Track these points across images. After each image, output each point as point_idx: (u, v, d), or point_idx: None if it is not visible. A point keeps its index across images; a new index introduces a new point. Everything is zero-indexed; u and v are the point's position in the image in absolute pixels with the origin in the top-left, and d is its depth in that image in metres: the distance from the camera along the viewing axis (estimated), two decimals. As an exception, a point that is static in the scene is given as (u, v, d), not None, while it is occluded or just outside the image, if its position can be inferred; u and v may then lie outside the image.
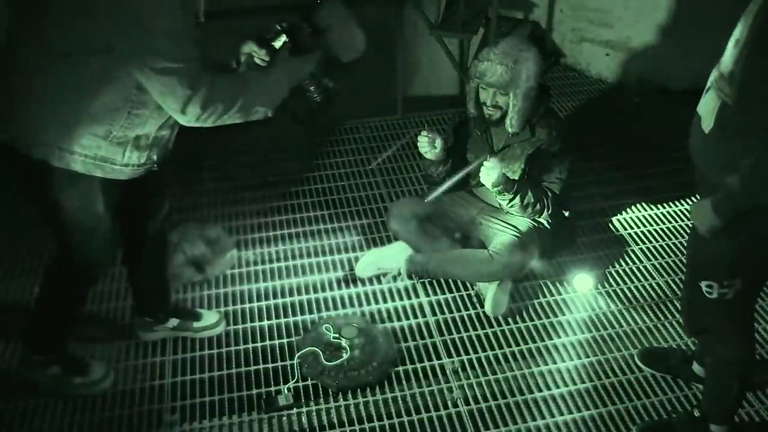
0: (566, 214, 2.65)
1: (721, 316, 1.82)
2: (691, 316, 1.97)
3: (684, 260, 2.81)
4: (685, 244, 2.90)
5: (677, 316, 2.56)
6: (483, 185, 2.46)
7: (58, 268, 2.09)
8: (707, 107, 1.63)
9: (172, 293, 2.46)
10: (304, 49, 1.90)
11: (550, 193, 2.42)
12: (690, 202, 3.15)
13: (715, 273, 1.73)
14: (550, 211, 2.45)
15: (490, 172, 2.30)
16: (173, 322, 2.42)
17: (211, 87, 1.70)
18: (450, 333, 2.50)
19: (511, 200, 2.39)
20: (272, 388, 2.29)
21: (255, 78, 1.88)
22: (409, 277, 2.71)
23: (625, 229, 3.01)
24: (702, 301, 1.77)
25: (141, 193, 2.04)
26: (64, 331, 2.21)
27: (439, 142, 2.41)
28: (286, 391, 2.26)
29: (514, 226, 2.50)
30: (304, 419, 2.20)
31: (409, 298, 2.65)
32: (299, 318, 2.56)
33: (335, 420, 2.19)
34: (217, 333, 2.47)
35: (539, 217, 2.51)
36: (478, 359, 2.40)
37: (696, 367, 2.23)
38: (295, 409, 2.22)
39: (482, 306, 2.58)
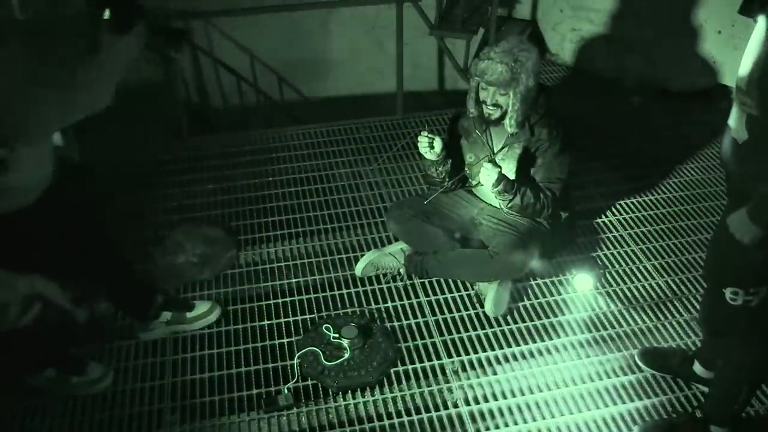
0: (566, 214, 2.66)
1: (744, 323, 1.82)
2: (712, 322, 1.97)
3: (684, 260, 2.82)
4: (686, 245, 2.90)
5: (677, 316, 2.56)
6: (483, 185, 2.46)
7: None
8: (735, 118, 1.65)
9: (152, 289, 2.45)
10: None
11: (549, 194, 2.43)
12: (690, 202, 3.16)
13: (741, 280, 1.73)
14: (549, 212, 2.45)
15: (490, 173, 2.31)
16: (166, 315, 2.42)
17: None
18: (450, 333, 2.50)
19: (510, 201, 2.39)
20: (272, 388, 2.29)
21: (89, 80, 1.60)
22: (409, 277, 2.71)
23: (625, 229, 3.01)
24: (725, 307, 1.78)
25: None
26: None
27: (438, 143, 2.42)
28: (286, 391, 2.26)
29: (514, 226, 2.50)
30: (304, 419, 2.20)
31: (409, 298, 2.65)
32: (299, 318, 2.56)
33: (335, 420, 2.19)
34: (212, 321, 2.49)
35: (539, 218, 2.51)
36: (478, 359, 2.40)
37: (697, 367, 2.23)
38: (295, 409, 2.22)
39: (482, 306, 2.58)
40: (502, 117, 2.35)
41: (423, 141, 2.41)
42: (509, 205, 2.43)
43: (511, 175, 2.43)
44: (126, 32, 1.60)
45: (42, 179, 1.78)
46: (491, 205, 2.62)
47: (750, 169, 1.64)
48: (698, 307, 2.18)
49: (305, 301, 2.64)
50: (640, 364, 2.35)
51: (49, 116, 1.55)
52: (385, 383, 2.31)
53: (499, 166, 2.34)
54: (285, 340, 2.46)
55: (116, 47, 1.60)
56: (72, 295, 1.52)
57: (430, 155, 2.45)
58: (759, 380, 1.95)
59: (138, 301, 2.39)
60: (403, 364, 2.38)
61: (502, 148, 2.45)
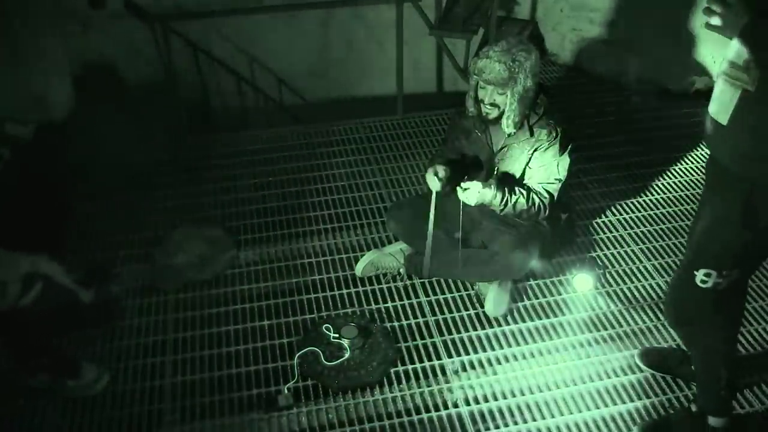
0: (566, 214, 2.65)
1: (710, 306, 1.83)
2: (678, 308, 1.98)
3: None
4: (686, 244, 2.90)
5: (677, 316, 2.56)
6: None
7: None
8: (722, 101, 1.64)
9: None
10: None
11: (546, 195, 2.41)
12: (690, 202, 3.15)
13: (719, 261, 1.74)
14: (546, 213, 2.44)
15: (468, 195, 2.30)
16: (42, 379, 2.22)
17: None
18: (450, 333, 2.50)
19: (501, 210, 2.38)
20: (272, 388, 2.29)
21: None
22: (409, 277, 2.71)
23: (625, 229, 3.01)
24: (692, 291, 1.79)
25: None
26: (43, 338, 2.16)
27: (442, 172, 2.40)
28: (286, 391, 2.26)
29: (514, 227, 2.50)
30: (304, 419, 2.20)
31: (409, 298, 2.65)
32: (299, 318, 2.56)
33: (335, 420, 2.19)
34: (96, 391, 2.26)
35: (536, 220, 2.50)
36: (478, 359, 2.40)
37: None
38: (295, 409, 2.22)
39: (482, 306, 2.58)
40: (500, 116, 2.35)
41: (431, 178, 2.39)
42: (501, 212, 2.42)
43: (515, 173, 2.42)
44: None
45: None
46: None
47: (741, 150, 1.63)
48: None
49: (305, 301, 2.64)
50: (640, 364, 2.35)
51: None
52: (385, 383, 2.31)
53: (475, 185, 2.31)
54: (285, 340, 2.46)
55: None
56: (77, 276, 1.50)
57: (434, 185, 2.42)
58: (733, 362, 1.97)
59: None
60: (403, 364, 2.38)
61: (502, 148, 2.45)
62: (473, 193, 2.30)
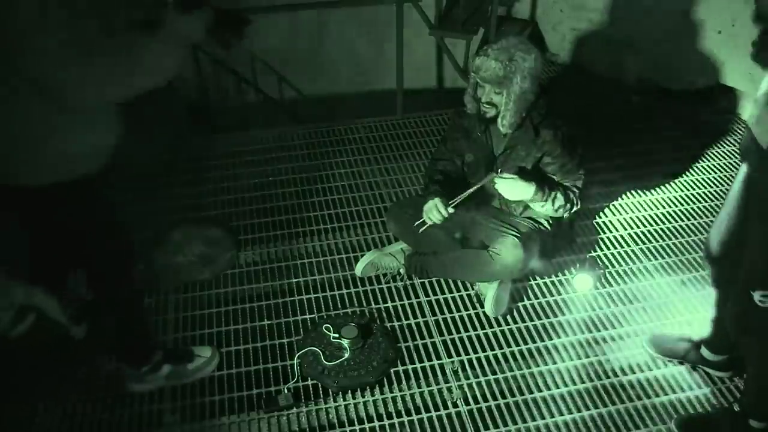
0: (567, 214, 2.65)
1: None
2: (741, 324, 1.99)
3: (684, 260, 2.81)
4: (686, 244, 2.90)
5: (677, 316, 2.56)
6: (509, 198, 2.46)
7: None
8: (760, 121, 1.66)
9: (153, 338, 2.33)
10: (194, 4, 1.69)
11: (576, 190, 2.44)
12: (690, 202, 3.16)
13: None
14: (578, 207, 2.46)
15: (506, 187, 2.31)
16: (166, 368, 2.26)
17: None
18: (450, 333, 2.50)
19: (542, 206, 2.40)
20: (272, 388, 2.29)
21: (142, 50, 1.62)
22: (409, 277, 2.71)
23: (625, 229, 3.01)
24: (754, 309, 1.81)
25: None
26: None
27: (443, 210, 2.39)
28: (286, 391, 2.26)
29: (514, 227, 2.50)
30: (304, 419, 2.20)
31: (409, 298, 2.65)
32: (299, 318, 2.56)
33: (335, 420, 2.19)
34: (212, 369, 2.34)
35: (568, 214, 2.51)
36: (478, 359, 2.40)
37: (705, 351, 2.27)
38: (295, 409, 2.22)
39: (482, 306, 2.58)
40: (497, 116, 2.35)
41: (434, 214, 2.40)
42: (543, 211, 2.43)
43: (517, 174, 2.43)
44: (191, 11, 1.62)
45: (100, 149, 1.76)
46: (492, 205, 2.62)
47: None
48: (717, 308, 2.22)
49: (305, 301, 2.64)
50: (649, 350, 2.36)
51: (103, 81, 1.55)
52: (385, 383, 2.31)
53: (515, 175, 2.32)
54: (285, 340, 2.46)
55: (180, 25, 1.61)
56: (71, 311, 1.51)
57: (434, 217, 2.42)
58: None
59: (137, 350, 2.22)
60: (403, 364, 2.38)
61: (506, 149, 2.44)
62: (512, 184, 2.30)
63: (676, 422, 2.15)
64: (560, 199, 2.40)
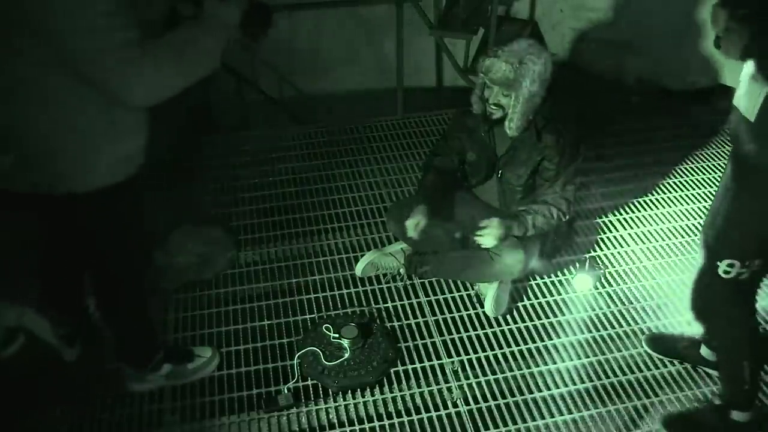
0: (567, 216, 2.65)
1: (732, 298, 1.87)
2: (701, 300, 2.00)
3: (684, 260, 2.82)
4: (686, 244, 2.90)
5: (677, 316, 2.56)
6: (482, 185, 2.46)
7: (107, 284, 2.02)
8: (750, 99, 1.66)
9: (156, 337, 2.31)
10: None
11: (564, 201, 2.40)
12: (690, 202, 3.16)
13: (743, 251, 1.78)
14: (567, 217, 2.43)
15: (488, 237, 2.30)
16: (167, 368, 2.25)
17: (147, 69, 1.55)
18: (450, 333, 2.50)
19: (524, 234, 2.39)
20: (272, 388, 2.29)
21: (189, 41, 1.64)
22: (409, 277, 2.71)
23: (625, 229, 3.01)
24: (715, 283, 1.83)
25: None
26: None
27: (422, 223, 2.39)
28: (286, 391, 2.26)
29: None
30: (304, 419, 2.20)
31: (409, 298, 2.65)
32: (299, 318, 2.56)
33: (335, 420, 2.19)
34: (212, 370, 2.34)
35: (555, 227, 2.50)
36: (478, 359, 2.40)
37: (704, 351, 2.26)
38: (295, 409, 2.22)
39: (482, 306, 2.58)
40: (504, 118, 2.34)
41: (411, 225, 2.39)
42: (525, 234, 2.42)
43: (516, 181, 2.41)
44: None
45: (141, 149, 1.76)
46: (492, 205, 2.62)
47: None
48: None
49: (305, 301, 2.64)
50: (648, 349, 2.37)
51: (157, 79, 1.55)
52: (385, 383, 2.31)
53: (503, 226, 2.31)
54: (285, 340, 2.46)
55: (219, 13, 1.63)
56: (62, 333, 1.50)
57: (410, 232, 2.41)
58: (757, 353, 1.99)
59: (139, 349, 2.21)
60: (403, 364, 2.38)
61: (508, 150, 2.44)
62: (494, 233, 2.29)
63: (663, 421, 2.15)
64: (541, 221, 2.36)
